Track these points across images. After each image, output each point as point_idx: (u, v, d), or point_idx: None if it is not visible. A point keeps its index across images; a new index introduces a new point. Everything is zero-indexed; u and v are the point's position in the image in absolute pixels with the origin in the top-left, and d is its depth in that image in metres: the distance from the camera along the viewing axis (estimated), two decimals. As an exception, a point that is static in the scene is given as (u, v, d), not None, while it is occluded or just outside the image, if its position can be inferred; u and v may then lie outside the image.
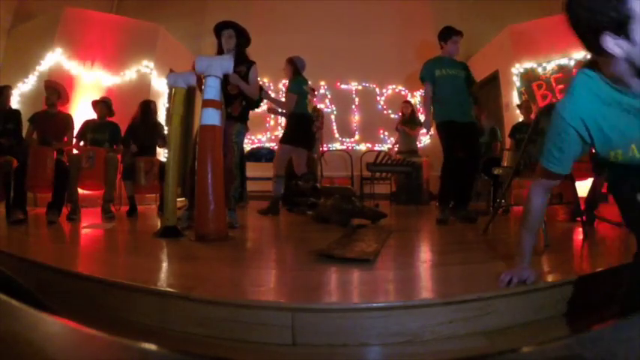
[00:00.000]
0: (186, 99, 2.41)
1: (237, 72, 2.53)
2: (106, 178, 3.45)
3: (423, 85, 3.17)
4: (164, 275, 1.42)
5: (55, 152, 3.13)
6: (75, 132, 3.64)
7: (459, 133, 2.99)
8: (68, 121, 3.54)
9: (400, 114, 5.57)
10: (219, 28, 2.69)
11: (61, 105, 3.61)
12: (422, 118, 5.59)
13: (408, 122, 5.38)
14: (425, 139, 6.18)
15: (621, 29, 0.80)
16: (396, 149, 5.56)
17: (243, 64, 2.64)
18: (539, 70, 5.20)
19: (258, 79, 2.84)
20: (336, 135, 6.28)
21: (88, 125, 3.73)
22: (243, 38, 2.73)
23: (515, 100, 5.13)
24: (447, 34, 3.14)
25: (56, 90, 3.53)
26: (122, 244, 2.26)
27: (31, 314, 0.28)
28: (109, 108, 3.83)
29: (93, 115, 3.85)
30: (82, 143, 3.70)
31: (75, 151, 3.67)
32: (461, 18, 6.42)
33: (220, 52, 2.68)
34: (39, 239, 2.27)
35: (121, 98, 4.54)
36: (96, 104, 3.82)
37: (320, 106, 5.76)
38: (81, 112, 4.35)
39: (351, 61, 6.28)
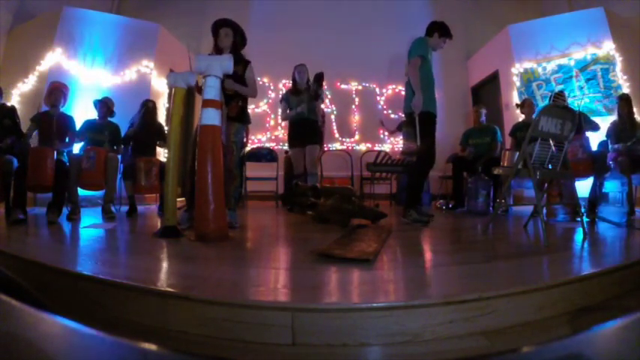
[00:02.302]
0: (186, 99, 2.41)
1: (233, 72, 2.52)
2: (106, 178, 3.46)
3: (414, 60, 2.88)
4: (164, 275, 1.42)
5: (55, 152, 3.14)
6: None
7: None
8: (70, 122, 3.55)
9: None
10: (217, 26, 2.69)
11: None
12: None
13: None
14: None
15: None
16: (397, 149, 5.56)
17: (239, 64, 2.64)
18: (539, 70, 5.21)
19: (257, 78, 2.85)
20: (336, 135, 6.28)
21: (88, 125, 3.73)
22: (239, 37, 2.73)
23: (516, 99, 5.13)
24: (447, 32, 3.07)
25: (63, 93, 3.54)
26: (122, 244, 2.26)
27: (31, 314, 0.28)
28: (108, 108, 3.83)
29: (92, 115, 3.86)
30: (82, 142, 3.70)
31: (75, 151, 3.68)
32: (461, 18, 6.44)
33: (216, 49, 2.68)
34: (39, 239, 2.27)
35: (121, 98, 4.54)
36: (97, 103, 3.83)
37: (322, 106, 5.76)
38: (81, 112, 4.35)
39: (351, 61, 6.28)
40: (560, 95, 3.73)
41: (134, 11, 5.97)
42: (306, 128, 3.88)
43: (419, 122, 2.89)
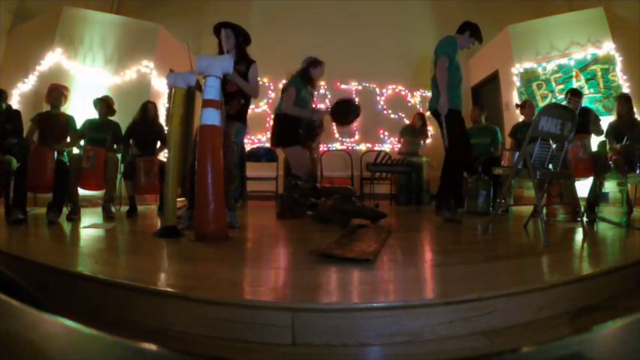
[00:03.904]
0: (186, 99, 2.41)
1: (236, 70, 2.52)
2: (106, 178, 3.46)
3: (441, 60, 2.93)
4: (164, 275, 1.42)
5: (55, 152, 3.13)
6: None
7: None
8: (70, 122, 3.55)
9: (410, 123, 5.61)
10: (217, 29, 2.69)
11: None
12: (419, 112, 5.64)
13: (417, 133, 5.40)
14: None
15: None
16: (397, 149, 5.58)
17: (243, 62, 2.65)
18: (539, 70, 5.20)
19: (258, 78, 2.84)
20: (336, 135, 6.28)
21: (88, 124, 3.73)
22: (241, 37, 2.72)
23: (516, 100, 5.14)
24: (477, 34, 3.10)
25: (63, 93, 3.55)
26: (122, 244, 2.26)
27: (31, 314, 0.28)
28: (109, 106, 3.83)
29: (92, 115, 3.86)
30: (82, 142, 3.70)
31: (76, 151, 3.68)
32: (461, 18, 6.41)
33: (221, 52, 2.68)
34: (39, 239, 2.27)
35: (121, 98, 4.54)
36: (97, 102, 3.83)
37: (320, 106, 5.76)
38: (81, 112, 4.35)
39: (351, 61, 6.28)
40: (574, 95, 3.66)
41: (134, 11, 5.96)
42: (305, 132, 3.56)
43: (445, 122, 2.94)
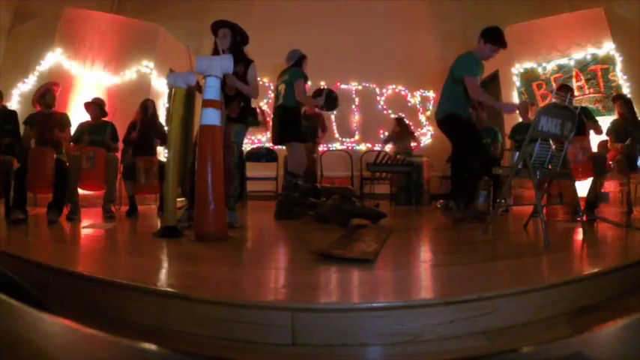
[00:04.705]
0: (186, 99, 2.41)
1: (234, 71, 2.50)
2: (106, 178, 3.46)
3: (469, 81, 2.81)
4: (164, 275, 1.42)
5: (54, 152, 3.13)
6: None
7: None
8: (65, 119, 3.54)
9: (390, 132, 5.67)
10: (215, 28, 2.67)
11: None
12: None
13: (401, 137, 5.44)
14: (425, 139, 6.19)
15: None
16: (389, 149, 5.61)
17: (241, 63, 2.62)
18: (539, 70, 5.20)
19: (258, 78, 2.83)
20: (336, 135, 6.28)
21: (83, 127, 3.71)
22: (239, 36, 2.68)
23: (515, 100, 5.13)
24: (492, 39, 2.86)
25: (55, 91, 3.54)
26: (122, 244, 2.26)
27: (31, 314, 0.28)
28: (101, 109, 3.82)
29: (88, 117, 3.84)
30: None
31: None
32: (461, 18, 6.44)
33: (216, 51, 2.66)
34: (39, 239, 2.27)
35: (121, 98, 4.55)
36: (88, 106, 3.81)
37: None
38: (81, 112, 4.34)
39: (351, 61, 6.28)
40: (562, 89, 3.67)
41: (134, 11, 5.96)
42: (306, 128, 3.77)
43: (449, 126, 2.98)
